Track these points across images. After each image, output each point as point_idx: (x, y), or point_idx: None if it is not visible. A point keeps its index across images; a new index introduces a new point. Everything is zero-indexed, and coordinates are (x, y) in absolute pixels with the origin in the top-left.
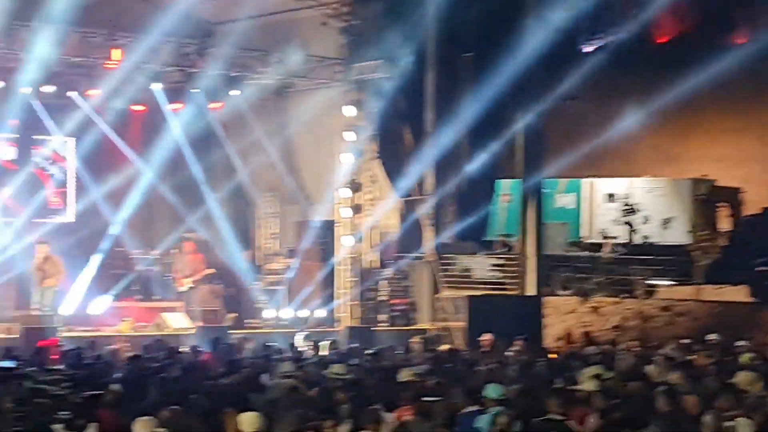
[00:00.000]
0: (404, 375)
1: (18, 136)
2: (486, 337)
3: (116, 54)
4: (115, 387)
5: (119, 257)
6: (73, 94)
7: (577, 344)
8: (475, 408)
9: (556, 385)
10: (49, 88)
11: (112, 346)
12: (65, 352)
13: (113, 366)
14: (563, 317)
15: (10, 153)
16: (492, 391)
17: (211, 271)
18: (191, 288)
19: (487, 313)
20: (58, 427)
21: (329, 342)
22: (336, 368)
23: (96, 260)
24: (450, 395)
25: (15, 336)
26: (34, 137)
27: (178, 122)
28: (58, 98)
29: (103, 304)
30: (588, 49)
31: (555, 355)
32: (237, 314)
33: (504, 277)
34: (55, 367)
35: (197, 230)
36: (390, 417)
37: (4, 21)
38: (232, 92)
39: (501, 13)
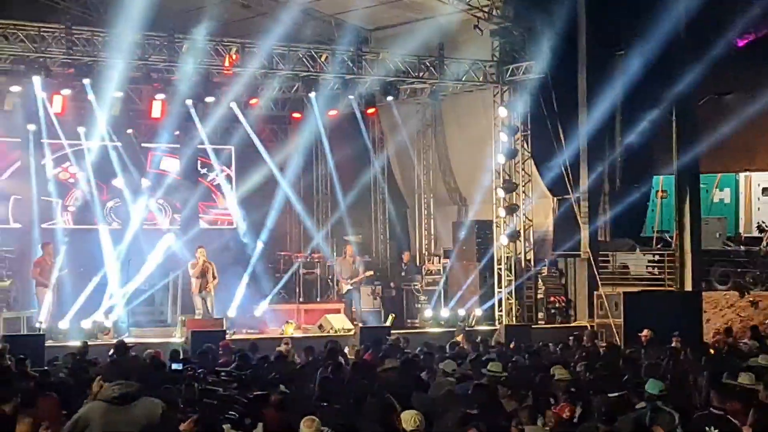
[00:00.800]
0: (562, 372)
1: (178, 146)
2: (644, 333)
3: (273, 63)
4: (281, 387)
5: (277, 260)
6: (233, 105)
7: (736, 339)
8: (640, 403)
9: (716, 379)
10: (209, 99)
11: (278, 348)
12: (232, 353)
13: (278, 367)
14: (722, 312)
15: (172, 163)
16: (653, 386)
17: (371, 273)
18: (352, 290)
19: (645, 309)
20: (226, 426)
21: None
22: (493, 366)
23: (253, 264)
24: (609, 391)
25: (182, 339)
26: (197, 146)
27: (334, 128)
28: (218, 108)
29: (265, 307)
30: (742, 43)
31: (714, 350)
32: (396, 314)
33: (661, 273)
34: (222, 369)
35: (357, 233)
36: (549, 414)
37: (167, 34)
38: (388, 97)
39: (651, 8)
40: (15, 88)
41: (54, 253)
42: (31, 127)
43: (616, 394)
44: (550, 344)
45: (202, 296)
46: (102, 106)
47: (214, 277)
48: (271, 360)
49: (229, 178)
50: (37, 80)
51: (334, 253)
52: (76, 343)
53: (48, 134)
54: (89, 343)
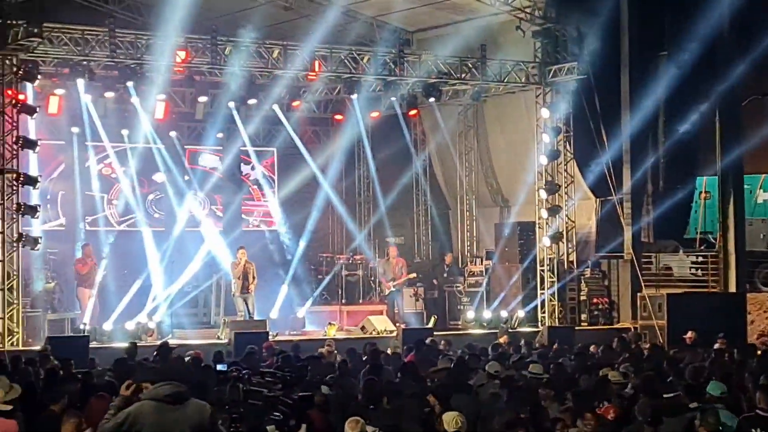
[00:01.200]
0: (606, 373)
1: (221, 147)
2: (689, 335)
3: (316, 66)
4: (325, 389)
5: (319, 262)
6: (275, 107)
7: None
8: (694, 405)
9: (762, 381)
10: (252, 101)
11: (320, 349)
12: (276, 355)
13: (322, 368)
14: (766, 314)
15: (214, 160)
16: (714, 388)
17: (414, 275)
18: (395, 291)
19: (688, 311)
20: (270, 428)
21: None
22: (534, 368)
23: (295, 265)
24: (653, 393)
25: (225, 341)
26: (240, 148)
27: (376, 130)
28: (260, 110)
29: (307, 308)
30: None
31: (760, 352)
32: (438, 316)
33: (705, 275)
34: (267, 370)
35: (399, 234)
36: (588, 417)
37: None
38: (430, 99)
39: (695, 8)
40: (59, 91)
41: (97, 255)
42: (75, 129)
43: (671, 394)
44: (592, 346)
45: (244, 297)
46: (145, 108)
47: (253, 278)
48: (314, 361)
49: (271, 179)
50: (80, 83)
51: (376, 255)
52: (121, 344)
53: (92, 137)
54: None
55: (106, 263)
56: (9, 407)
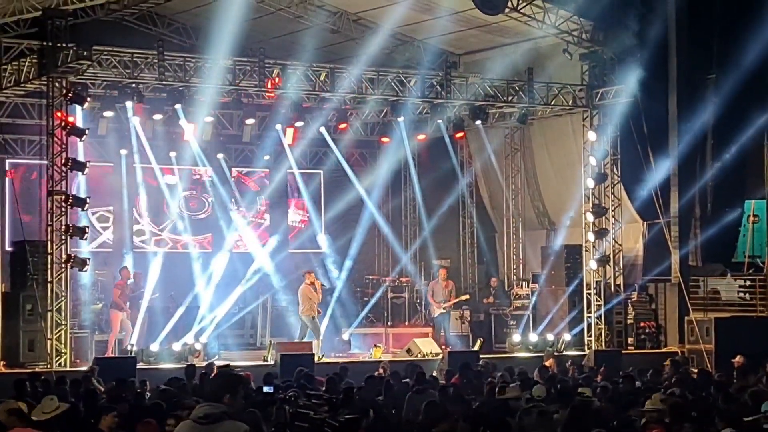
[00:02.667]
0: (654, 398)
1: (268, 170)
2: (737, 359)
3: (363, 88)
4: (371, 411)
5: (364, 284)
6: (322, 129)
7: None
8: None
9: None
10: (299, 123)
11: (377, 372)
12: (324, 377)
13: (368, 390)
14: None
15: (261, 183)
16: None
17: (466, 297)
18: (444, 313)
19: (736, 335)
20: None
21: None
22: (584, 390)
23: (341, 287)
24: (702, 418)
25: (272, 362)
26: (287, 171)
27: (422, 152)
28: (307, 133)
29: (352, 330)
30: None
31: None
32: (484, 339)
33: (753, 299)
34: (313, 392)
35: (445, 257)
36: None
37: (257, 59)
38: (476, 121)
39: (743, 31)
40: (108, 113)
41: (144, 277)
42: (123, 151)
43: (752, 417)
44: (637, 370)
45: (311, 318)
46: (193, 131)
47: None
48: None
49: (317, 202)
50: (129, 105)
51: (422, 277)
52: (168, 365)
53: (140, 159)
54: (175, 366)
55: (154, 284)
56: (47, 416)
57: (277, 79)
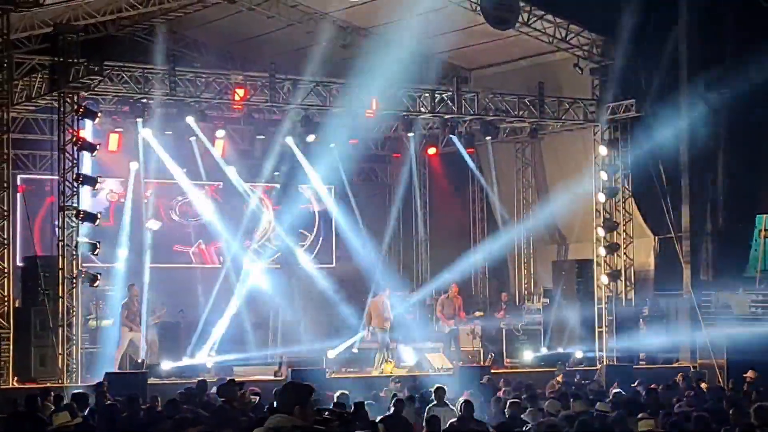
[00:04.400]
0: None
1: (278, 185)
2: (749, 374)
3: (374, 103)
4: (380, 425)
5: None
6: (332, 144)
7: None
8: None
9: None
10: (310, 138)
11: (387, 387)
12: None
13: (378, 405)
14: None
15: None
16: None
17: (481, 312)
18: (455, 329)
19: (748, 350)
20: None
21: None
22: (601, 406)
23: (351, 301)
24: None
25: (282, 378)
26: (298, 186)
27: (433, 167)
28: (318, 147)
29: (362, 345)
30: None
31: None
32: (495, 354)
33: (765, 314)
34: (323, 407)
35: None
36: None
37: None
38: (487, 137)
39: (755, 45)
40: (118, 128)
41: (156, 295)
42: (134, 166)
43: None
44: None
45: (383, 331)
46: (203, 146)
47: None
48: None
49: (328, 216)
50: (140, 121)
51: (433, 292)
52: (179, 381)
53: (150, 174)
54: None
55: (164, 301)
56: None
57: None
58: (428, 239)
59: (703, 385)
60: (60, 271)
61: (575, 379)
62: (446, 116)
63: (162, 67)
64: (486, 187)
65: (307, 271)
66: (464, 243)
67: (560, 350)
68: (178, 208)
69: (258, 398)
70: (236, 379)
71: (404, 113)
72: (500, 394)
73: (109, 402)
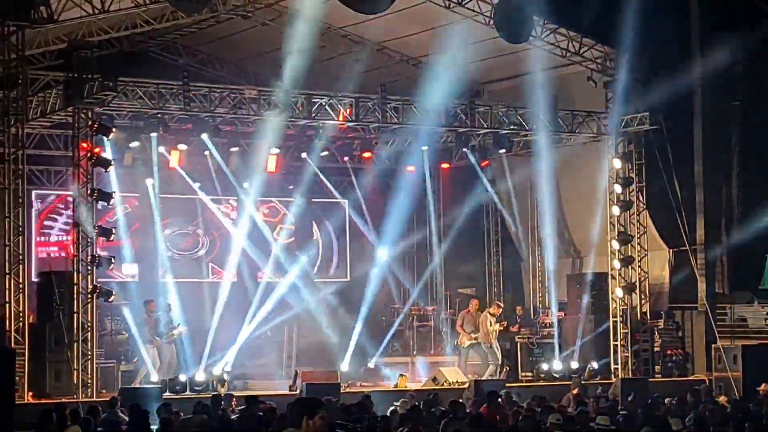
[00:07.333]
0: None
1: (292, 200)
2: (762, 387)
3: (387, 117)
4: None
5: (390, 312)
6: (346, 159)
7: None
8: None
9: None
10: (324, 153)
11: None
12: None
13: (393, 420)
14: None
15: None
16: None
17: (503, 326)
18: (474, 344)
19: (764, 362)
20: None
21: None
22: (601, 420)
23: (366, 316)
24: None
25: (297, 392)
26: (314, 200)
27: (447, 181)
28: (332, 162)
29: (378, 359)
30: None
31: None
32: (511, 368)
33: None
34: (338, 422)
35: (471, 286)
36: None
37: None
38: (501, 150)
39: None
40: (134, 144)
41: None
42: (149, 181)
43: None
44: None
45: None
46: (218, 161)
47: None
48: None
49: (342, 230)
50: (154, 136)
51: (447, 306)
52: (194, 396)
53: (165, 189)
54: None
55: (179, 317)
56: None
57: (347, 111)
58: (443, 252)
59: (722, 399)
60: (75, 287)
61: (596, 392)
62: (460, 130)
63: (176, 83)
64: (498, 201)
65: (323, 286)
66: (479, 256)
67: (575, 363)
68: (194, 224)
69: (274, 412)
70: (252, 394)
71: (416, 126)
72: (511, 407)
73: (118, 418)
